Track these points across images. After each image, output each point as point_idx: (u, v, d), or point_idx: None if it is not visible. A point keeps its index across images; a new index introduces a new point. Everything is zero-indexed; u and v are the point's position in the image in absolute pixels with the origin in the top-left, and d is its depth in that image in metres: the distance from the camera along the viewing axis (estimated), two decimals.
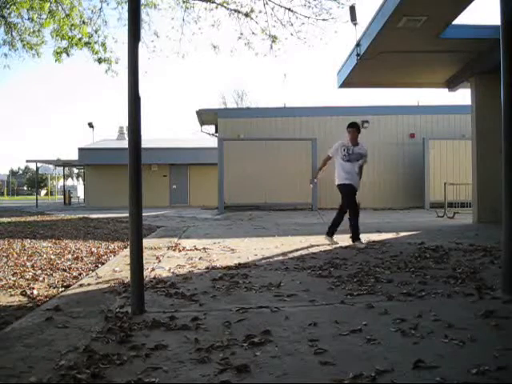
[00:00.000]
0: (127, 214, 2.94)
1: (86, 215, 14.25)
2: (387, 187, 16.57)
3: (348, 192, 5.95)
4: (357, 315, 2.66)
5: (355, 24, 8.74)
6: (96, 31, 9.32)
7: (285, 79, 47.52)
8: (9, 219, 12.58)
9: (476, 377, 1.76)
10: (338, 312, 2.75)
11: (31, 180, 74.40)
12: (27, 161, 29.27)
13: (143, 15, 9.50)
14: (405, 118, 16.72)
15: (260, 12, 9.77)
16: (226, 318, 2.63)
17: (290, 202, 14.84)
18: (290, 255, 5.08)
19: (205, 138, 25.08)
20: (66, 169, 35.09)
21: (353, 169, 5.96)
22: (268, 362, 1.96)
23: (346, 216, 6.05)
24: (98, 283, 3.67)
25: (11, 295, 3.50)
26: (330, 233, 6.12)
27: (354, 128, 6.10)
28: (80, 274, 4.29)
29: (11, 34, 9.41)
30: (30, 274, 4.29)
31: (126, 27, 2.86)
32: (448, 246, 5.59)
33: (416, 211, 14.17)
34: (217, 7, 9.86)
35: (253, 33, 9.96)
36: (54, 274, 4.30)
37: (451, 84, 10.29)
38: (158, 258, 4.96)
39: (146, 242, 5.15)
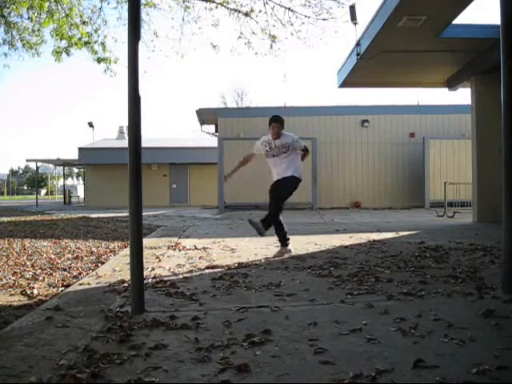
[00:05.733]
0: (127, 214, 2.94)
1: (85, 215, 14.25)
2: (387, 187, 16.58)
3: (272, 191, 5.25)
4: (357, 315, 2.66)
5: (355, 23, 8.74)
6: (96, 31, 9.31)
7: (285, 79, 47.45)
8: (9, 218, 12.58)
9: (476, 376, 1.76)
10: (338, 311, 2.75)
11: (31, 179, 74.35)
12: (27, 160, 29.28)
13: (143, 15, 9.49)
14: (405, 117, 16.73)
15: (260, 11, 9.77)
16: (226, 317, 2.62)
17: (290, 201, 14.84)
18: (290, 254, 5.07)
19: (205, 138, 25.07)
20: (66, 168, 35.09)
21: (281, 163, 5.23)
22: (268, 362, 1.96)
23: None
24: (97, 283, 3.67)
25: (11, 294, 3.50)
26: (284, 240, 5.19)
27: (279, 123, 5.25)
28: (80, 274, 4.29)
29: (11, 34, 9.40)
30: (30, 273, 4.30)
31: (126, 26, 2.85)
32: (448, 245, 5.59)
33: (416, 211, 14.18)
34: (217, 7, 9.85)
35: (253, 32, 9.97)
36: (53, 274, 4.31)
37: (451, 83, 10.29)
38: (157, 257, 4.96)
39: (146, 242, 5.15)
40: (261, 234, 5.23)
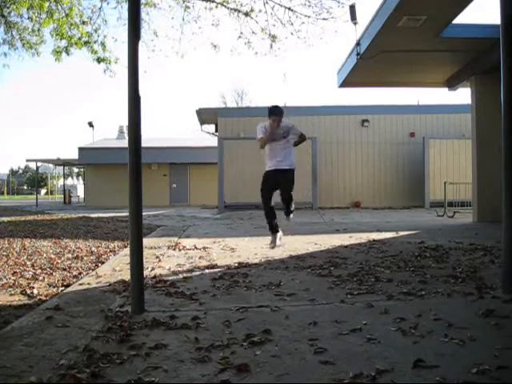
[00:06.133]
0: (127, 214, 2.94)
1: (85, 214, 14.25)
2: (387, 186, 16.57)
3: (262, 180, 5.45)
4: (357, 314, 2.66)
5: (355, 23, 8.73)
6: (96, 30, 9.30)
7: (285, 79, 47.24)
8: (9, 218, 12.57)
9: (476, 376, 1.76)
10: (338, 311, 2.75)
11: (31, 179, 74.32)
12: (27, 160, 29.26)
13: (143, 14, 9.48)
14: (405, 117, 16.72)
15: (260, 11, 9.76)
16: (226, 317, 2.63)
17: None
18: (290, 254, 5.08)
19: (205, 138, 25.04)
20: (66, 168, 35.10)
21: (280, 150, 5.30)
22: (268, 362, 1.96)
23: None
24: (97, 282, 3.67)
25: (11, 294, 3.50)
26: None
27: (277, 117, 5.26)
28: (80, 274, 4.29)
29: (11, 33, 9.40)
30: (30, 273, 4.29)
31: (126, 26, 2.85)
32: (448, 245, 5.59)
33: (416, 210, 14.17)
34: (217, 6, 9.84)
35: (253, 32, 9.95)
36: (53, 274, 4.30)
37: (451, 83, 10.29)
38: (157, 257, 4.96)
39: (146, 241, 5.15)
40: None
